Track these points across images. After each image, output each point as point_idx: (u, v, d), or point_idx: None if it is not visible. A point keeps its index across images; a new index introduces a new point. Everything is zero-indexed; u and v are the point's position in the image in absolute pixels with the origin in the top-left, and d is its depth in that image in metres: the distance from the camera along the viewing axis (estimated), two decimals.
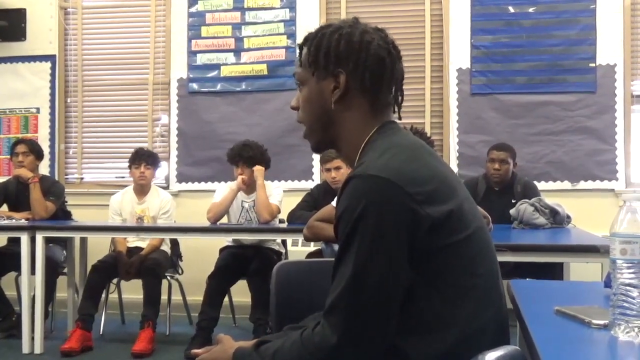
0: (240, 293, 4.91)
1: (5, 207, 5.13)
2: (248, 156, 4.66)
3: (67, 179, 6.12)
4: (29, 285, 4.39)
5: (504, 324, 1.44)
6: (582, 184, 5.30)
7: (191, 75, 5.90)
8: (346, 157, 1.55)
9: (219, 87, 5.86)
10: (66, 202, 5.24)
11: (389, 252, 1.29)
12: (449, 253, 1.33)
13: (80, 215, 5.34)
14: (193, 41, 5.91)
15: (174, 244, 5.12)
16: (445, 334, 1.32)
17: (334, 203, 3.43)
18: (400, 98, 1.55)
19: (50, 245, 4.75)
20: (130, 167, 5.02)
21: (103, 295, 4.72)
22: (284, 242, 5.02)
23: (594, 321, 1.33)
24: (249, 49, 5.82)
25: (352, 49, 1.47)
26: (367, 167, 1.35)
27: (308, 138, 1.59)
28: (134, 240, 5.00)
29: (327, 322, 1.32)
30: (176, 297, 5.05)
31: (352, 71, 1.47)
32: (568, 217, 4.36)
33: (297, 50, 1.59)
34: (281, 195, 4.78)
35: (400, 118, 1.56)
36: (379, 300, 1.29)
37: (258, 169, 4.64)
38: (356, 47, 1.47)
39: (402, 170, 1.33)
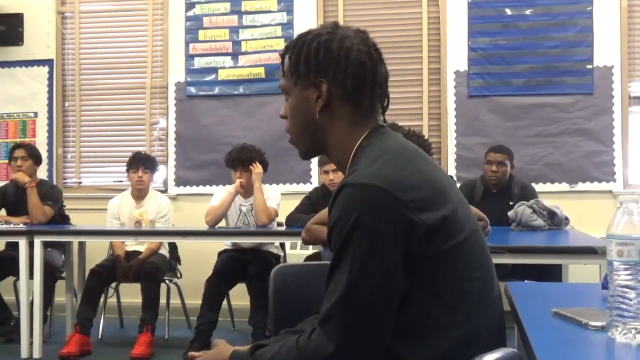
0: (239, 296, 4.91)
1: (3, 211, 5.13)
2: (246, 159, 4.66)
3: (65, 183, 6.11)
4: (27, 289, 4.39)
5: (501, 328, 1.44)
6: (580, 186, 5.31)
7: (189, 79, 5.90)
8: (337, 163, 1.55)
9: (216, 90, 5.86)
10: (64, 206, 5.23)
11: (384, 260, 1.28)
12: (444, 258, 1.33)
13: (78, 220, 5.33)
14: (190, 45, 5.91)
15: (173, 247, 5.11)
16: (442, 338, 1.32)
17: None
18: (386, 100, 1.54)
19: (49, 249, 4.75)
20: (128, 171, 5.02)
21: (101, 300, 4.72)
22: (282, 245, 5.02)
23: (592, 323, 1.33)
24: (246, 53, 5.82)
25: (331, 57, 1.45)
26: (359, 175, 1.34)
27: (296, 146, 1.58)
28: (132, 244, 5.00)
29: (323, 331, 1.31)
30: (175, 301, 5.04)
31: (333, 79, 1.46)
32: (566, 218, 4.37)
33: (280, 60, 1.57)
34: (279, 198, 4.77)
35: (385, 120, 1.54)
36: (375, 309, 1.29)
37: (257, 172, 4.63)
38: (335, 55, 1.45)
39: (395, 177, 1.32)
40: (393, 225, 1.28)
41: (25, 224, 4.77)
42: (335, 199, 1.36)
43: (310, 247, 4.78)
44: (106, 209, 5.11)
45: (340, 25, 1.53)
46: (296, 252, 5.10)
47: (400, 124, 3.08)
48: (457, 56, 5.51)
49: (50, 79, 6.11)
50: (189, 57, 5.91)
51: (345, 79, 1.45)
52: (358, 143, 1.46)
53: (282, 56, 1.56)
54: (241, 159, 4.66)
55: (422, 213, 1.30)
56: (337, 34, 1.48)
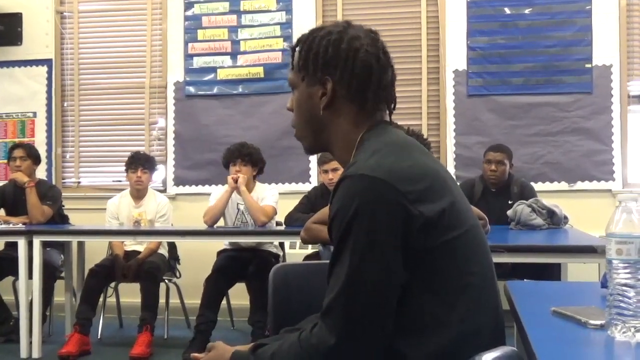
0: (239, 296, 4.91)
1: (2, 211, 5.13)
2: (247, 153, 4.68)
3: (64, 183, 6.11)
4: (26, 289, 4.39)
5: (500, 324, 1.44)
6: (579, 185, 5.31)
7: (188, 79, 5.90)
8: (339, 159, 1.56)
9: (215, 90, 5.86)
10: (63, 206, 5.23)
11: (384, 251, 1.29)
12: (442, 251, 1.33)
13: (77, 220, 5.33)
14: (189, 44, 5.91)
15: (172, 247, 5.11)
16: (441, 334, 1.32)
17: None
18: (392, 102, 1.55)
19: (48, 249, 4.75)
20: (127, 171, 5.02)
21: (101, 299, 4.72)
22: (281, 245, 5.01)
23: (591, 321, 1.33)
24: (245, 52, 5.82)
25: (339, 56, 1.47)
26: (358, 167, 1.35)
27: (300, 140, 1.60)
28: (131, 244, 5.00)
29: (325, 324, 1.32)
30: (174, 301, 5.04)
31: (340, 78, 1.47)
32: (565, 217, 4.37)
33: (291, 53, 1.59)
34: (277, 196, 4.77)
35: (391, 122, 1.56)
36: (375, 300, 1.30)
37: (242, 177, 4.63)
38: (343, 55, 1.47)
39: (394, 168, 1.33)
40: (392, 216, 1.29)
41: (24, 223, 4.77)
42: (335, 191, 1.37)
43: (310, 246, 4.79)
44: (105, 209, 5.10)
45: (352, 24, 1.54)
46: (295, 252, 5.11)
47: (399, 123, 3.08)
48: (456, 55, 5.51)
49: (49, 78, 6.10)
50: (188, 57, 5.91)
51: (351, 79, 1.47)
52: (359, 138, 1.48)
53: (293, 49, 1.57)
54: (242, 153, 4.68)
55: (420, 205, 1.31)
56: (348, 33, 1.50)
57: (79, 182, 6.14)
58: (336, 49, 1.47)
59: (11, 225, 4.66)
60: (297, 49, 1.55)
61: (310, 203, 4.63)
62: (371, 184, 1.31)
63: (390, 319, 1.31)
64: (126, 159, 5.07)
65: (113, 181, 6.04)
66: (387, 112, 1.55)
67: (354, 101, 1.49)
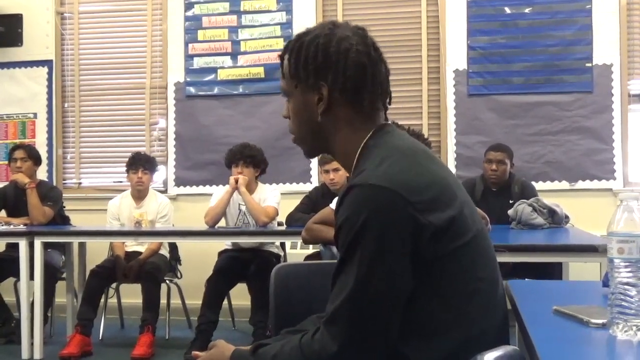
0: (240, 296, 4.91)
1: (3, 212, 5.12)
2: (249, 155, 4.68)
3: (65, 184, 6.11)
4: (27, 290, 4.39)
5: (505, 326, 1.44)
6: (580, 184, 5.31)
7: (188, 79, 5.90)
8: (342, 162, 1.54)
9: (216, 90, 5.86)
10: (64, 207, 5.23)
11: (392, 263, 1.28)
12: (451, 259, 1.32)
13: (78, 220, 5.32)
14: (190, 45, 5.91)
15: (173, 248, 5.11)
16: (448, 338, 1.32)
17: (332, 205, 3.43)
18: (388, 99, 1.53)
19: (49, 250, 4.74)
20: (127, 172, 5.02)
21: (102, 300, 4.72)
22: (282, 245, 5.01)
23: (593, 320, 1.33)
24: (245, 52, 5.82)
25: (330, 60, 1.44)
26: (367, 176, 1.34)
27: (299, 145, 1.58)
28: (132, 245, 5.00)
29: (327, 331, 1.31)
30: (175, 301, 5.04)
31: (333, 82, 1.44)
32: (566, 217, 4.37)
33: (280, 61, 1.56)
34: (278, 197, 4.77)
35: (386, 119, 1.54)
36: (380, 311, 1.29)
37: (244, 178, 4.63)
38: (334, 58, 1.44)
39: (403, 178, 1.32)
40: (401, 227, 1.28)
41: (25, 225, 4.77)
42: (343, 199, 1.35)
43: (311, 246, 4.78)
44: (106, 210, 5.11)
45: (338, 23, 1.51)
46: (296, 252, 5.10)
47: (399, 123, 3.08)
48: (456, 55, 5.50)
49: (49, 79, 6.10)
50: (188, 57, 5.91)
51: (345, 82, 1.44)
52: (363, 142, 1.46)
53: (281, 57, 1.54)
54: (244, 154, 4.68)
55: (430, 214, 1.30)
56: (335, 34, 1.46)
57: (79, 183, 6.14)
58: (325, 52, 1.44)
59: (12, 227, 4.66)
60: (286, 56, 1.52)
61: (311, 203, 4.63)
62: (380, 194, 1.29)
63: (394, 329, 1.31)
64: (127, 159, 5.06)
65: (114, 182, 6.04)
66: (384, 108, 1.53)
67: (351, 103, 1.46)
